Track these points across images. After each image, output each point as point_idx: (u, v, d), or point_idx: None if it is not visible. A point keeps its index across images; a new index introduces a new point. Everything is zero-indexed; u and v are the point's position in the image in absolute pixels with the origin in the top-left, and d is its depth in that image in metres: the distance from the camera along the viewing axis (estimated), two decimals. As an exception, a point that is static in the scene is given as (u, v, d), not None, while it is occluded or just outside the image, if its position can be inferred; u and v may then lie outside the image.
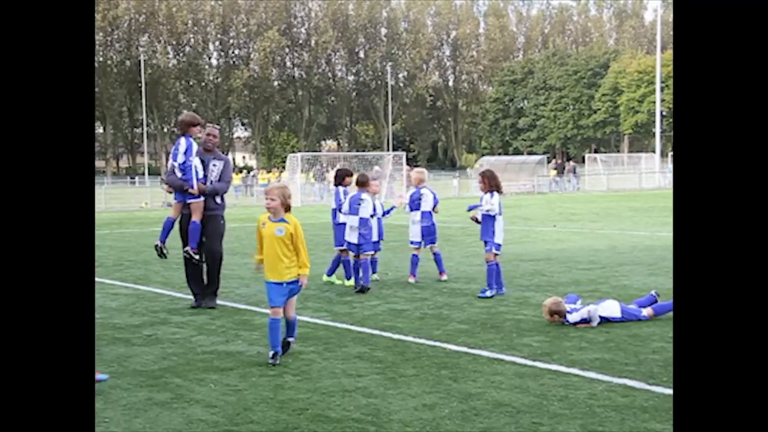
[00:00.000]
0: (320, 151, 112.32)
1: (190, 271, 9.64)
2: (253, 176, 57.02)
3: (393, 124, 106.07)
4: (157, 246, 9.64)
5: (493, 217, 10.06)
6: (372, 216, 10.92)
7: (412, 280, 11.50)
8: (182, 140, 9.36)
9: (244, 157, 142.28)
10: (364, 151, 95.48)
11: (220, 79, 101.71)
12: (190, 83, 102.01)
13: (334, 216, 11.36)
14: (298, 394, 5.91)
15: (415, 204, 11.61)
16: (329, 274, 11.46)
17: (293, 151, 78.96)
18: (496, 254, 10.08)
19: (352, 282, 11.11)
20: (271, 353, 6.79)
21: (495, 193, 10.04)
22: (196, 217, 9.39)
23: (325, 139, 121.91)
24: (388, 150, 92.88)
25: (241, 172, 61.34)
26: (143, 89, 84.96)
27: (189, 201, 9.40)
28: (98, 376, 6.29)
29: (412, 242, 11.71)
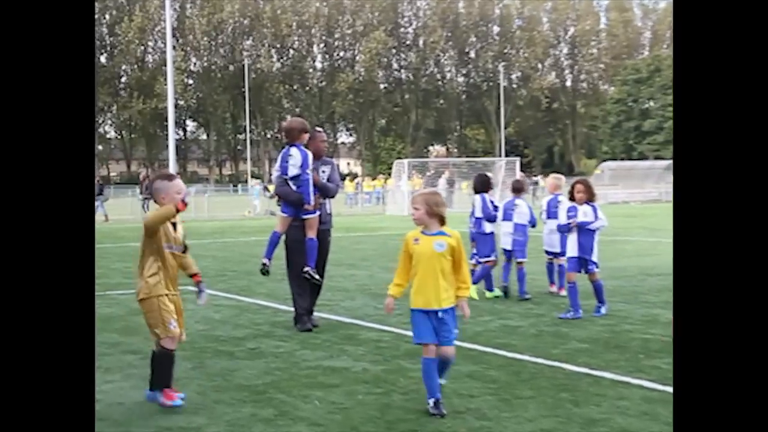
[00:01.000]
0: (428, 156, 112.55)
1: (297, 290, 9.41)
2: (358, 184, 57.66)
3: (505, 128, 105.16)
4: (265, 265, 9.22)
5: (594, 232, 9.81)
6: (531, 224, 11.23)
7: (554, 289, 11.81)
8: (294, 151, 8.89)
9: (348, 164, 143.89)
10: (474, 156, 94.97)
11: (324, 83, 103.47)
12: (294, 87, 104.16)
13: (479, 225, 11.26)
14: (407, 414, 5.89)
15: (552, 212, 11.62)
16: (489, 289, 11.46)
17: (399, 157, 79.53)
18: (596, 272, 9.91)
19: (495, 293, 11.41)
20: (431, 402, 5.81)
21: (595, 205, 9.82)
22: (312, 234, 9.13)
23: (432, 144, 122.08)
24: (500, 155, 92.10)
25: (345, 178, 62.05)
26: (247, 94, 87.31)
27: (305, 216, 9.06)
28: (174, 399, 5.95)
29: (548, 252, 11.90)
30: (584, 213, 9.73)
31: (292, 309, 10.41)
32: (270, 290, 12.69)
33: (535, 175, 70.41)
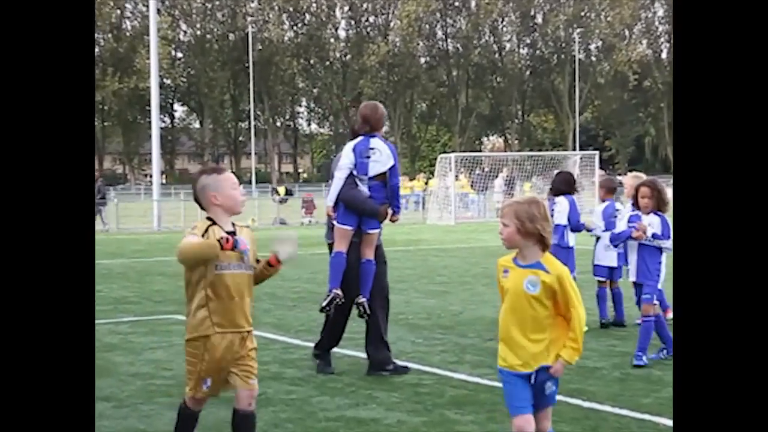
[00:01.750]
0: (481, 150, 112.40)
1: (334, 320, 9.24)
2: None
3: (581, 114, 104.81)
4: (337, 298, 8.88)
5: (660, 252, 9.55)
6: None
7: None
8: (379, 144, 8.84)
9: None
10: (540, 149, 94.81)
11: (349, 57, 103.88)
12: (311, 62, 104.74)
13: (561, 236, 11.27)
14: (453, 479, 5.90)
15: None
16: None
17: (445, 151, 79.43)
18: (655, 305, 9.69)
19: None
20: None
21: (665, 217, 9.48)
22: (370, 254, 8.92)
23: (487, 135, 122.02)
24: (573, 148, 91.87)
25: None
26: (251, 71, 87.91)
27: (369, 231, 8.93)
28: None
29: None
30: (649, 225, 9.49)
31: (307, 343, 10.42)
32: (278, 320, 12.76)
33: (619, 174, 70.01)
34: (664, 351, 9.65)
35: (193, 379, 5.68)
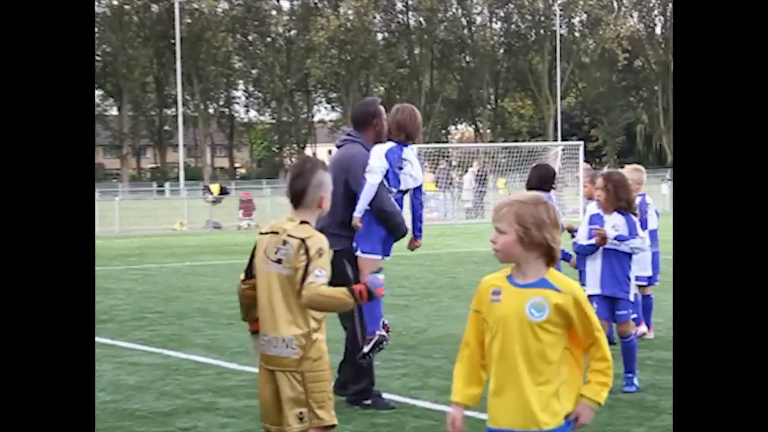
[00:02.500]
0: (448, 141, 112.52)
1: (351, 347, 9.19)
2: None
3: (563, 98, 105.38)
4: (379, 343, 8.84)
5: (629, 257, 9.56)
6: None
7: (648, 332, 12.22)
8: (411, 155, 9.13)
9: (329, 152, 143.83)
10: (516, 140, 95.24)
11: (293, 32, 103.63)
12: (249, 39, 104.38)
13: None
14: None
15: (642, 220, 11.29)
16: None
17: (406, 142, 79.50)
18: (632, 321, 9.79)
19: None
20: None
21: (629, 214, 9.53)
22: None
23: (455, 123, 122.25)
24: (555, 139, 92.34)
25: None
26: (178, 48, 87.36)
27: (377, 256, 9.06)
28: None
29: (638, 278, 11.71)
30: (613, 227, 9.45)
31: (245, 368, 10.37)
32: (211, 340, 12.71)
33: (607, 168, 70.67)
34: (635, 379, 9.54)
35: (327, 403, 5.97)
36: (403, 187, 9.00)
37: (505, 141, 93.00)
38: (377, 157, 8.87)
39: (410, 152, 9.08)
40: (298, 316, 5.79)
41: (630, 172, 11.81)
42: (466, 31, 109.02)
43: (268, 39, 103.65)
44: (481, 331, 4.77)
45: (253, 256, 5.99)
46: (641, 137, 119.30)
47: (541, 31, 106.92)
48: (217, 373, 10.63)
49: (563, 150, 44.38)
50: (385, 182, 8.88)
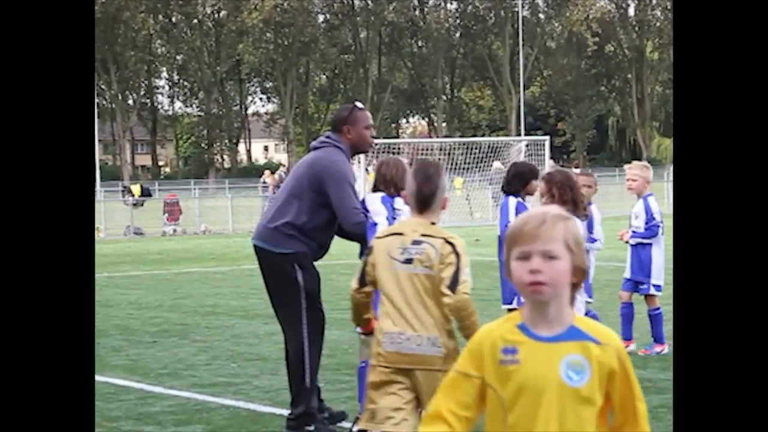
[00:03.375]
0: (399, 136, 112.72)
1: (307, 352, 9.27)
2: (282, 180, 57.62)
3: (526, 88, 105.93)
4: None
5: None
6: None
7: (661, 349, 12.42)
8: (403, 205, 9.10)
9: (266, 148, 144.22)
10: (475, 135, 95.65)
11: (223, 14, 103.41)
12: (173, 20, 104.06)
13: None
14: None
15: (649, 225, 12.68)
16: None
17: (352, 137, 79.54)
18: None
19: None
20: None
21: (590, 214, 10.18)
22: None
23: (406, 116, 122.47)
24: (518, 133, 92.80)
25: (264, 172, 62.04)
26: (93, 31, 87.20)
27: None
28: None
29: (657, 287, 12.68)
30: None
31: (172, 391, 10.36)
32: (133, 361, 12.69)
33: (576, 166, 70.88)
34: None
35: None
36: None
37: (462, 136, 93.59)
38: (377, 203, 9.17)
39: (400, 202, 9.12)
40: (439, 315, 6.30)
41: (643, 167, 12.96)
42: (417, 13, 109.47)
43: (195, 21, 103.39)
44: (472, 405, 3.88)
45: (365, 264, 6.51)
46: (613, 131, 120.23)
47: (502, 13, 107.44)
48: (139, 397, 10.59)
49: (527, 146, 44.60)
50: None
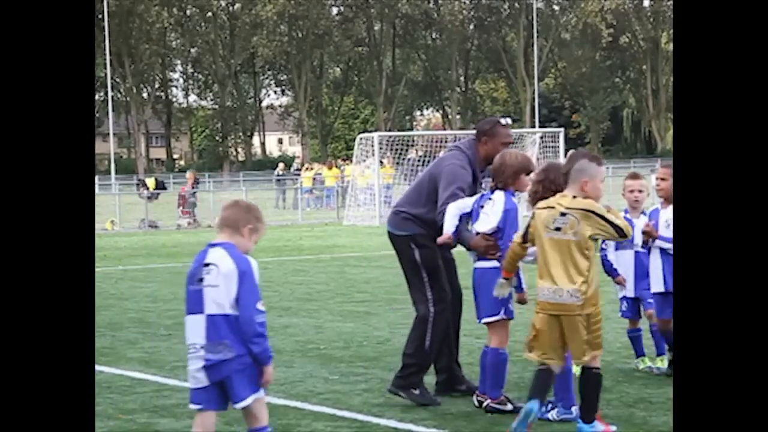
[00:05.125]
0: (413, 128, 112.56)
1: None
2: (296, 173, 57.60)
3: (541, 80, 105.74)
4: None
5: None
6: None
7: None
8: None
9: (280, 141, 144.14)
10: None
11: (238, 6, 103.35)
12: (187, 13, 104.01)
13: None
14: None
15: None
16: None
17: (366, 129, 79.36)
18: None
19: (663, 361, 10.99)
20: None
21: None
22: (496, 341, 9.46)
23: (421, 108, 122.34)
24: (532, 125, 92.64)
25: (278, 165, 62.08)
26: (105, 24, 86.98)
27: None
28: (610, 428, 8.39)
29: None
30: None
31: (188, 384, 10.43)
32: (148, 354, 12.72)
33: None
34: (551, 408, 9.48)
35: (599, 342, 8.24)
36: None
37: (476, 127, 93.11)
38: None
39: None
40: (576, 272, 8.02)
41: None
42: (431, 5, 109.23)
43: (209, 14, 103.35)
44: None
45: (528, 225, 8.33)
46: (628, 123, 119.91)
47: (516, 5, 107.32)
48: (154, 390, 10.62)
49: (541, 138, 44.47)
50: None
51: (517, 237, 8.52)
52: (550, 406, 8.91)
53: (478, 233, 9.33)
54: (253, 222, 7.25)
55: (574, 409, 8.82)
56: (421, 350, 9.78)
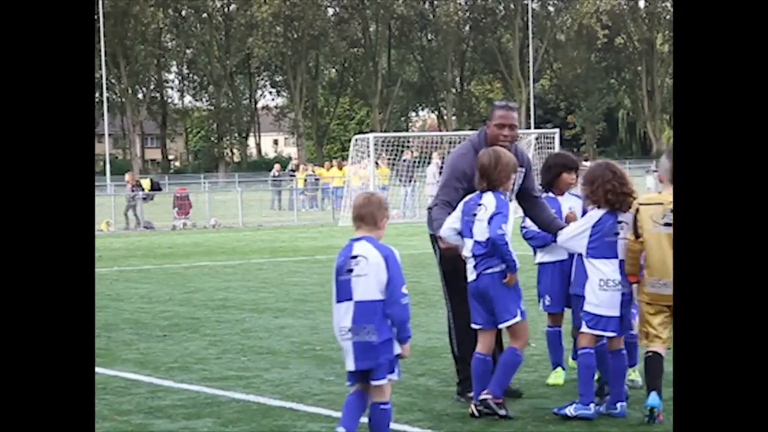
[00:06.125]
0: (408, 129, 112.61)
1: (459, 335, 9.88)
2: (292, 174, 57.62)
3: (536, 81, 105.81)
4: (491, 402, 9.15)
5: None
6: None
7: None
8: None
9: (276, 142, 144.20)
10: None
11: (233, 7, 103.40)
12: (182, 14, 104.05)
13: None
14: None
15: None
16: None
17: (361, 131, 79.35)
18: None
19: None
20: None
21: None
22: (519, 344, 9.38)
23: (416, 109, 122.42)
24: (528, 126, 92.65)
25: (273, 166, 62.08)
26: (101, 24, 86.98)
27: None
28: None
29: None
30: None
31: (183, 385, 10.40)
32: (143, 355, 12.73)
33: (586, 159, 70.68)
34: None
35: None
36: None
37: (471, 129, 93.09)
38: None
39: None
40: None
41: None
42: (427, 6, 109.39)
43: (204, 15, 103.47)
44: None
45: (636, 221, 8.69)
46: (623, 124, 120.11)
47: (511, 6, 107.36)
48: (149, 391, 10.61)
49: (537, 138, 44.57)
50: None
51: (630, 236, 8.79)
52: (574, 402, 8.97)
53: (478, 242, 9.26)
54: (386, 214, 7.96)
55: (592, 406, 8.87)
56: (455, 358, 10.00)
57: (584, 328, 9.24)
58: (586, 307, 9.20)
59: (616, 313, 9.09)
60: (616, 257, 9.12)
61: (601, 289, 9.08)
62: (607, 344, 9.19)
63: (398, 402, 9.75)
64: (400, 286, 7.65)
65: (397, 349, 7.74)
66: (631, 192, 9.09)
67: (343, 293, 7.90)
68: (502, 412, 9.04)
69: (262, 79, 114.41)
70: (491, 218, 9.14)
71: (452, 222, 9.36)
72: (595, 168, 9.45)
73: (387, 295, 7.59)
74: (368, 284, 7.68)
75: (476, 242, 9.21)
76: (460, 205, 9.39)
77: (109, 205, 42.75)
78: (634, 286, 9.18)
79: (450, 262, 9.69)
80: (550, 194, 10.64)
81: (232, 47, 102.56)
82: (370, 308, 7.65)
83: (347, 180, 43.28)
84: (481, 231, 9.17)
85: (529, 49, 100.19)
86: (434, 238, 9.90)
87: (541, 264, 10.56)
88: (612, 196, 9.05)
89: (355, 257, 7.81)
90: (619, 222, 9.12)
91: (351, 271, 7.78)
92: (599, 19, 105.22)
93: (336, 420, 9.17)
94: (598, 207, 9.16)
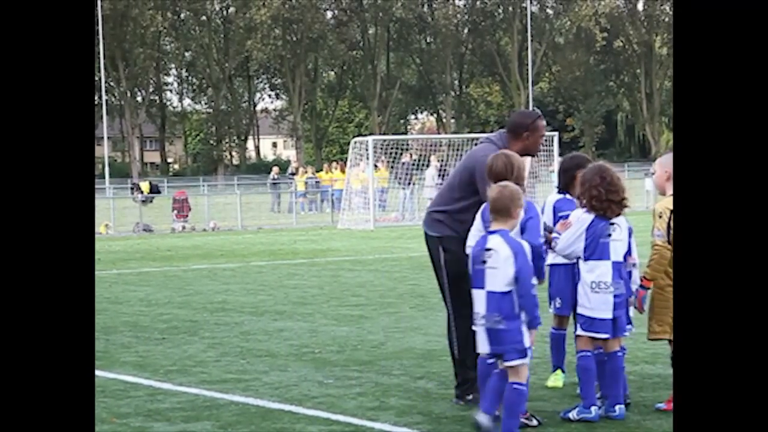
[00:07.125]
0: (407, 132, 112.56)
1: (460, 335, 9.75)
2: (291, 177, 57.57)
3: (534, 83, 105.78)
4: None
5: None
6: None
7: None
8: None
9: (274, 145, 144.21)
10: (484, 130, 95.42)
11: (232, 10, 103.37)
12: (181, 17, 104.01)
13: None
14: None
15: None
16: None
17: (360, 133, 79.30)
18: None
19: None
20: None
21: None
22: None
23: (415, 112, 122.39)
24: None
25: (272, 168, 62.05)
26: (100, 27, 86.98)
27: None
28: None
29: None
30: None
31: (182, 388, 10.37)
32: (142, 357, 12.71)
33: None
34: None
35: None
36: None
37: (471, 131, 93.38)
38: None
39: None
40: None
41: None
42: (425, 8, 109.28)
43: (203, 18, 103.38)
44: None
45: (669, 225, 8.72)
46: (622, 126, 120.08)
47: (510, 9, 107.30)
48: (148, 394, 10.60)
49: (536, 141, 44.37)
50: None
51: (663, 242, 8.84)
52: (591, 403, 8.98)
53: None
54: (519, 204, 8.31)
55: (594, 409, 8.86)
56: (455, 361, 9.96)
57: (579, 331, 9.29)
58: (579, 310, 9.27)
59: (608, 315, 9.08)
60: (609, 258, 9.13)
61: (593, 291, 9.10)
62: (602, 346, 9.19)
63: (397, 404, 9.77)
64: (530, 278, 8.17)
65: (527, 335, 8.19)
66: (619, 199, 9.05)
67: (478, 281, 8.35)
68: (534, 423, 8.88)
69: (261, 82, 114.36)
70: (525, 223, 8.88)
71: (479, 229, 9.08)
72: (588, 171, 9.45)
73: (518, 286, 8.08)
74: (498, 277, 8.14)
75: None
76: (479, 216, 9.22)
77: (108, 207, 42.71)
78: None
79: (456, 265, 9.61)
80: (567, 196, 10.61)
81: (231, 50, 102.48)
82: (499, 299, 8.12)
83: (347, 183, 43.27)
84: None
85: (527, 52, 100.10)
86: (439, 240, 9.94)
87: (552, 266, 10.47)
88: (596, 202, 9.06)
89: (488, 250, 8.25)
90: (612, 224, 9.13)
91: (485, 262, 8.24)
92: (598, 22, 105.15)
93: (335, 422, 9.20)
94: (587, 210, 9.18)
